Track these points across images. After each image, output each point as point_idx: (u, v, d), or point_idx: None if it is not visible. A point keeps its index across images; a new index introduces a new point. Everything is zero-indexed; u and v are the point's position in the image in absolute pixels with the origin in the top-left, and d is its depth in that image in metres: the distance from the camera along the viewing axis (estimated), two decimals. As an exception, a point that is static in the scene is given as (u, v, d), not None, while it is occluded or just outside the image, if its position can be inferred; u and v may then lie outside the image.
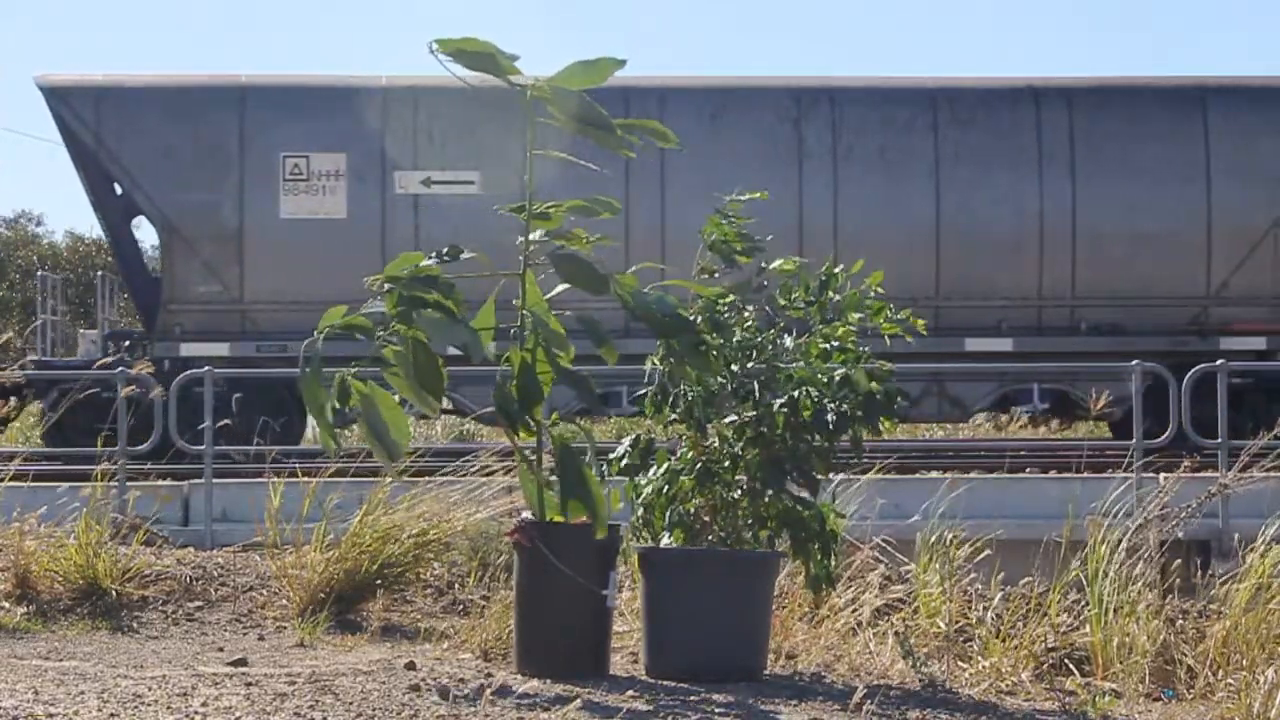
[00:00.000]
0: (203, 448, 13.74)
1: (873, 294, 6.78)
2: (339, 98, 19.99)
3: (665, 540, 6.70)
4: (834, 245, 19.33)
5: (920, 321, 6.80)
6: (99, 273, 24.12)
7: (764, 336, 6.71)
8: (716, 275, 6.88)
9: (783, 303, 6.76)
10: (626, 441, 6.83)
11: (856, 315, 6.71)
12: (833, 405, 6.54)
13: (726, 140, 20.06)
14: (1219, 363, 14.60)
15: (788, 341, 6.72)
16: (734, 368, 6.65)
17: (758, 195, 7.07)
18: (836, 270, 6.81)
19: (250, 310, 19.38)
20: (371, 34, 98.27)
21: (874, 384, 6.61)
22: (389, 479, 8.38)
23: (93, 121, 19.69)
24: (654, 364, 6.76)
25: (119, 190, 20.00)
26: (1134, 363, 14.63)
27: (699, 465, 6.66)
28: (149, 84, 20.21)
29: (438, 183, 19.57)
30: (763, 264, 6.88)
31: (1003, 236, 19.63)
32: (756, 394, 6.62)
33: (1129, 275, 19.70)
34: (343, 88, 20.17)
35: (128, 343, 20.35)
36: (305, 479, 8.86)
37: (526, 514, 6.90)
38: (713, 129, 20.15)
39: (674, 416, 6.74)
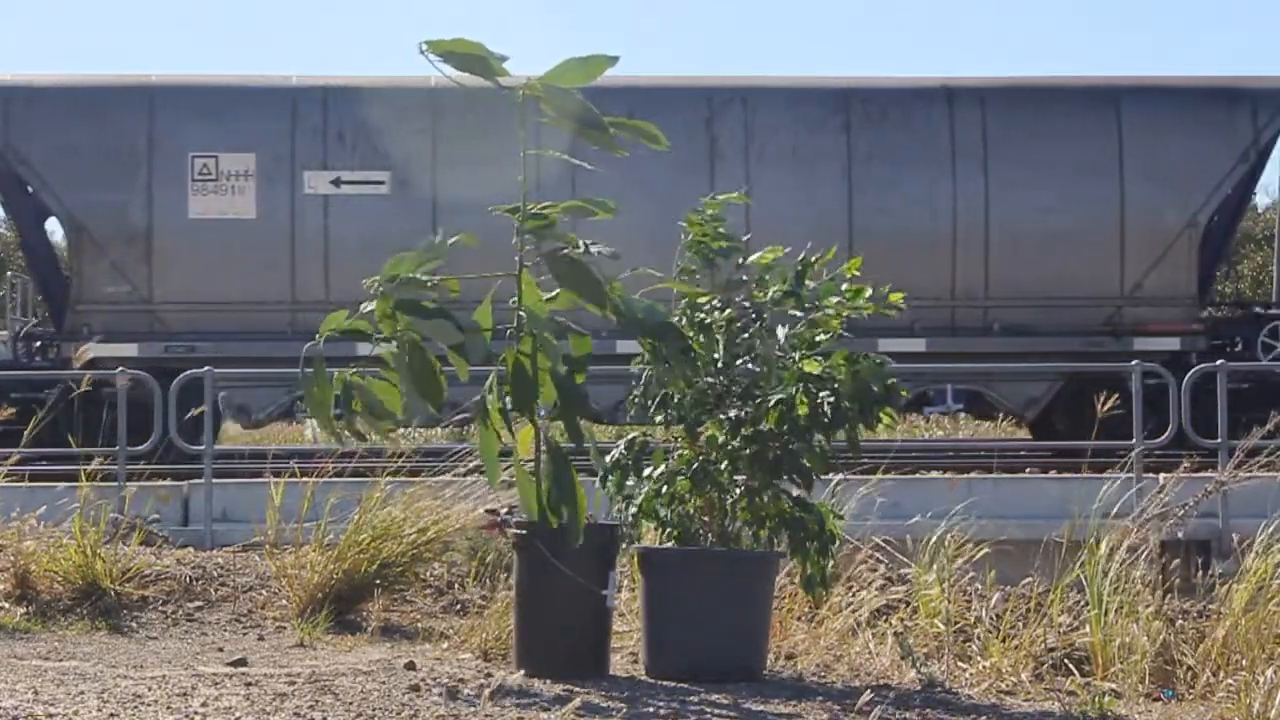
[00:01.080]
0: (202, 448, 13.75)
1: (848, 278, 6.77)
2: (248, 98, 19.95)
3: (663, 541, 6.70)
4: (746, 246, 19.31)
5: (899, 295, 6.77)
6: (8, 274, 24.13)
7: (753, 332, 6.69)
8: (697, 275, 6.88)
9: (759, 296, 6.74)
10: (622, 443, 6.83)
11: (834, 300, 6.69)
12: (829, 400, 6.52)
13: (636, 146, 19.98)
14: (1219, 363, 14.61)
15: (780, 334, 6.70)
16: (723, 366, 6.64)
17: (734, 196, 7.08)
18: (813, 259, 6.80)
19: (159, 310, 19.27)
20: (372, 34, 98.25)
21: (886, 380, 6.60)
22: (387, 478, 8.38)
23: (1, 122, 19.60)
24: (639, 367, 6.74)
25: (30, 190, 19.93)
26: (1134, 363, 14.62)
27: (695, 466, 6.66)
28: (58, 83, 20.14)
29: (347, 183, 19.61)
30: (740, 260, 6.88)
31: (916, 237, 19.53)
32: (745, 393, 6.61)
33: (1043, 275, 19.64)
34: (252, 88, 20.15)
35: (39, 344, 20.31)
36: (304, 479, 8.85)
37: (505, 509, 6.92)
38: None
39: (661, 419, 6.72)
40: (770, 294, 6.73)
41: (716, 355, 6.64)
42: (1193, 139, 20.53)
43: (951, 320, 19.44)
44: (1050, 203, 19.93)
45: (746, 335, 6.69)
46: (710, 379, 6.64)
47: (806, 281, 6.74)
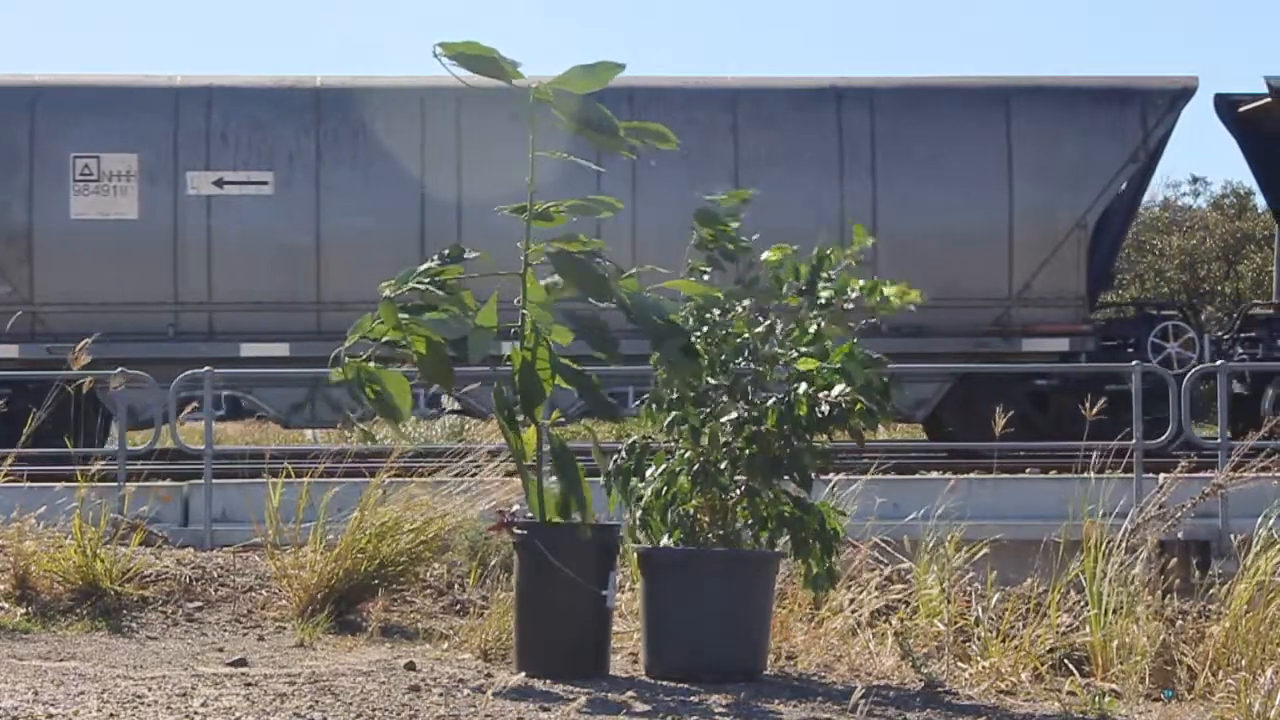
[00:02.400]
0: (202, 448, 13.75)
1: (854, 264, 6.77)
2: (131, 98, 19.89)
3: (664, 541, 6.70)
4: (632, 248, 19.45)
5: (916, 292, 6.76)
6: None
7: (753, 334, 6.69)
8: (706, 275, 6.88)
9: (777, 295, 6.74)
10: (624, 447, 6.83)
11: (858, 283, 6.67)
12: (829, 399, 6.52)
13: (525, 142, 20.01)
14: (1218, 363, 14.62)
15: (777, 329, 6.70)
16: (728, 366, 6.65)
17: (747, 195, 7.07)
18: (829, 252, 6.80)
19: (41, 311, 19.18)
20: (373, 34, 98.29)
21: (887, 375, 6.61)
22: (386, 477, 8.38)
23: None
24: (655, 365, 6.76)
25: None
26: (1134, 363, 14.63)
27: (696, 466, 6.66)
28: None
29: (230, 183, 19.62)
30: (750, 259, 6.88)
31: (804, 239, 19.54)
32: (749, 393, 6.62)
33: (931, 276, 19.60)
34: (135, 88, 20.08)
35: None
36: (303, 479, 8.85)
37: (515, 508, 6.93)
38: (514, 131, 20.11)
39: (669, 419, 6.73)
40: (785, 289, 6.73)
41: (723, 356, 6.64)
42: (1082, 139, 20.57)
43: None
44: (939, 203, 19.91)
45: (746, 335, 6.69)
46: (713, 380, 6.64)
47: (823, 275, 6.73)
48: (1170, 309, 23.01)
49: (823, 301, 6.68)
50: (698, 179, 20.03)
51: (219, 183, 19.53)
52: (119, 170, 19.62)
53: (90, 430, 16.36)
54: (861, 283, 6.74)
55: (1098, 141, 20.63)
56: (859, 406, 6.52)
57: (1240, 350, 21.44)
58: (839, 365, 6.55)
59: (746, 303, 6.80)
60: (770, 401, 6.56)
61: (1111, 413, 21.72)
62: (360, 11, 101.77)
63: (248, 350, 19.09)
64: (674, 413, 6.70)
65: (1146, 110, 20.90)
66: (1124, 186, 20.97)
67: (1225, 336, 22.18)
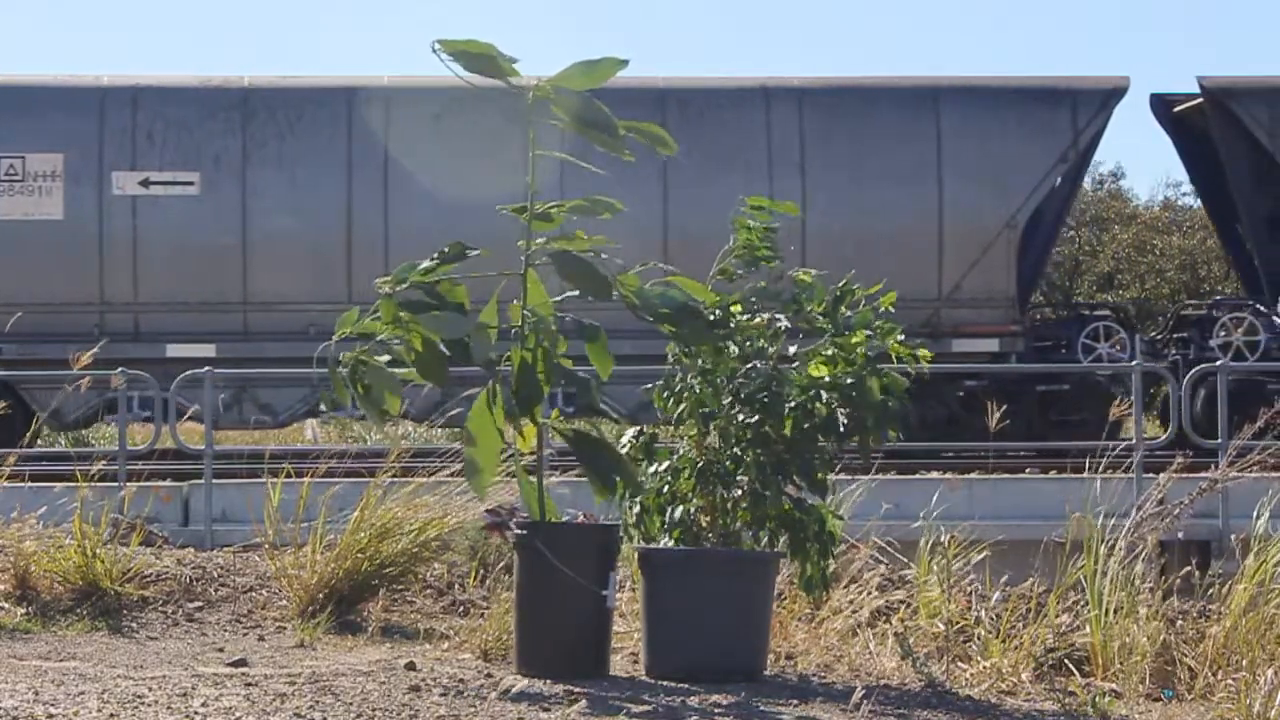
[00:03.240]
0: (202, 448, 13.76)
1: (883, 311, 6.80)
2: (57, 98, 19.91)
3: (664, 541, 6.70)
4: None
5: (925, 352, 6.81)
6: None
7: (767, 340, 6.71)
8: (736, 279, 6.90)
9: (805, 309, 6.76)
10: (630, 433, 6.84)
11: (865, 334, 6.72)
12: (844, 411, 6.55)
13: (451, 142, 20.13)
14: (1219, 363, 14.63)
15: (791, 349, 6.74)
16: (739, 367, 6.66)
17: (784, 205, 7.08)
18: (854, 288, 6.83)
19: None
20: (373, 34, 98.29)
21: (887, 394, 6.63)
22: (386, 477, 8.38)
23: None
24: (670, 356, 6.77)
25: None
26: (1134, 364, 14.64)
27: (699, 465, 6.66)
28: None
29: (156, 184, 19.62)
30: (783, 272, 6.91)
31: (730, 238, 19.45)
32: (759, 396, 6.62)
33: (860, 277, 19.61)
34: (60, 87, 20.10)
35: None
36: (303, 479, 8.85)
37: (510, 509, 6.93)
38: (436, 130, 20.20)
39: (679, 411, 6.73)
40: (809, 312, 6.75)
41: (734, 353, 6.66)
42: (1012, 139, 20.65)
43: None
44: (868, 204, 19.91)
45: (759, 342, 6.71)
46: (725, 378, 6.66)
47: (843, 309, 6.75)
48: (1103, 309, 23.15)
49: (843, 332, 6.70)
50: (625, 179, 20.05)
51: (145, 183, 19.58)
52: (44, 170, 19.64)
53: (11, 429, 16.47)
54: (879, 324, 6.76)
55: (1028, 142, 20.69)
56: (873, 424, 6.56)
57: (1173, 350, 21.59)
58: (851, 379, 6.59)
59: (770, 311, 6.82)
60: (791, 405, 6.56)
61: (1041, 413, 21.84)
62: (360, 11, 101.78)
63: (173, 351, 19.15)
64: (684, 405, 6.70)
65: (1077, 110, 20.97)
66: (1055, 186, 21.03)
67: (1158, 337, 22.33)
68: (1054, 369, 20.11)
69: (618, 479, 6.42)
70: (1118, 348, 20.66)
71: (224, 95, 19.99)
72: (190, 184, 19.76)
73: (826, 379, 6.64)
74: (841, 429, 6.55)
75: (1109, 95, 21.24)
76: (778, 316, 6.75)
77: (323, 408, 20.29)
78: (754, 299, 6.78)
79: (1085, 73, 26.68)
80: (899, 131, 20.38)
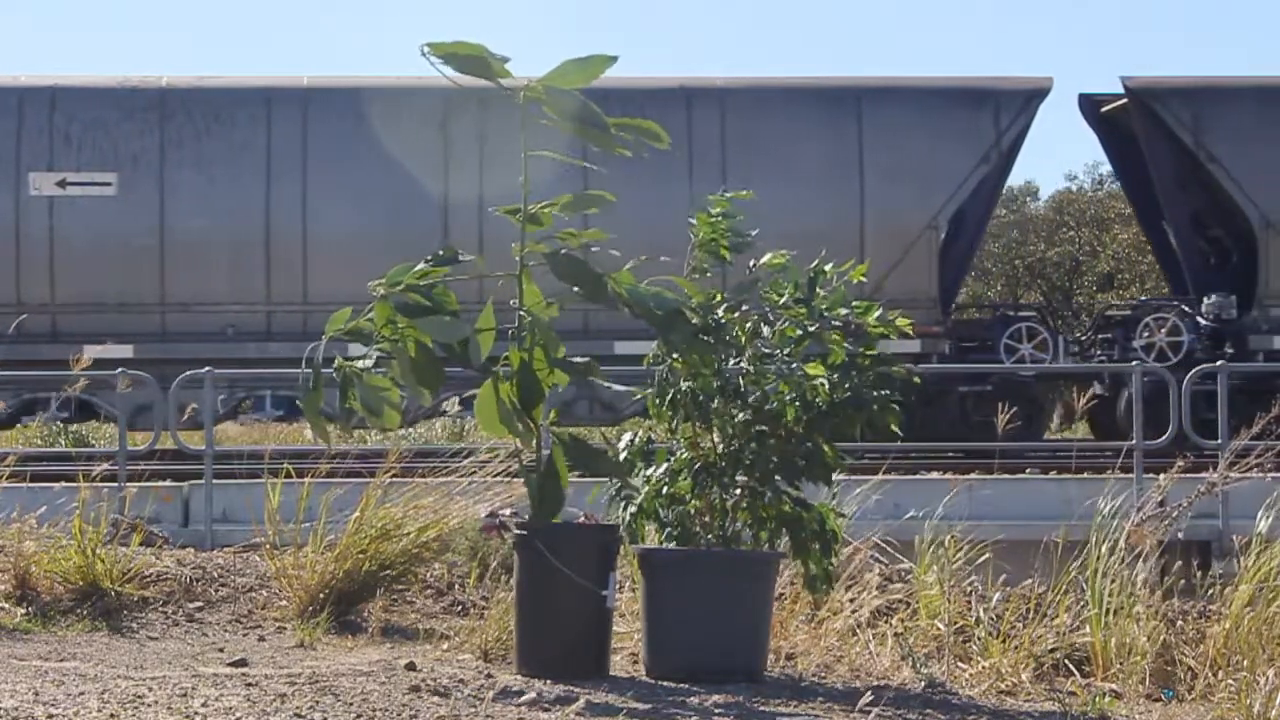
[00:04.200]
0: (202, 448, 13.75)
1: (853, 285, 6.80)
2: None
3: (657, 541, 6.70)
4: (479, 247, 19.49)
5: (906, 322, 6.80)
6: None
7: (752, 325, 6.69)
8: (709, 274, 6.88)
9: (777, 298, 6.74)
10: (626, 437, 6.83)
11: (842, 311, 6.70)
12: (845, 390, 6.53)
13: (371, 141, 20.17)
14: (1219, 364, 14.62)
15: (765, 331, 6.71)
16: (730, 364, 6.65)
17: (745, 194, 7.08)
18: (825, 268, 6.81)
19: None
20: (375, 35, 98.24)
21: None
22: (386, 478, 8.38)
23: None
24: (652, 361, 6.75)
25: None
26: (1134, 364, 14.64)
27: (697, 466, 6.66)
28: None
29: (74, 184, 19.65)
30: (752, 260, 6.89)
31: (652, 240, 19.15)
32: (748, 391, 6.61)
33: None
34: None
35: None
36: (303, 479, 8.85)
37: (507, 511, 6.93)
38: (356, 131, 20.25)
39: (673, 414, 6.72)
40: (783, 298, 6.73)
41: (724, 354, 6.65)
42: (934, 140, 20.71)
43: None
44: (789, 204, 19.89)
45: (745, 337, 6.69)
46: (716, 379, 6.65)
47: (818, 290, 6.74)
48: (1028, 310, 23.23)
49: (818, 316, 6.68)
50: (547, 182, 19.97)
51: (62, 183, 19.64)
52: None
53: None
54: (856, 302, 6.76)
55: (949, 142, 20.78)
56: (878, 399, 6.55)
57: (1098, 351, 21.70)
58: (842, 364, 6.58)
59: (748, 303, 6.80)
60: (789, 397, 6.55)
61: (961, 414, 21.93)
62: (359, 11, 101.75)
63: (91, 352, 19.17)
64: (679, 409, 6.68)
65: (1000, 111, 21.06)
66: (977, 187, 21.07)
67: (1083, 338, 22.42)
68: (991, 369, 20.22)
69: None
70: (1040, 349, 20.77)
71: (142, 96, 20.04)
72: (108, 185, 19.83)
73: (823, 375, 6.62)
74: (836, 406, 6.52)
75: (1031, 96, 21.33)
76: (761, 310, 6.74)
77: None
78: (738, 294, 6.77)
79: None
80: (821, 132, 20.41)
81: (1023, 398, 20.01)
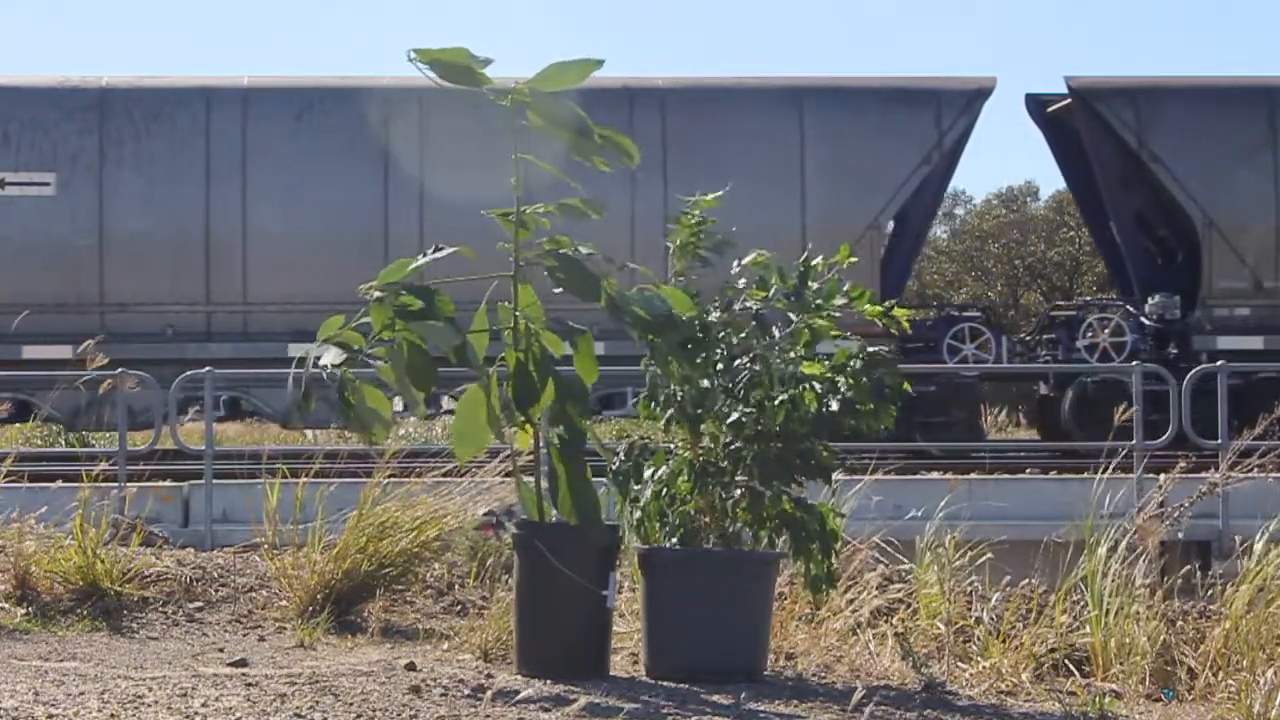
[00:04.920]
0: (202, 448, 13.75)
1: (840, 270, 6.81)
2: None
3: (664, 541, 6.70)
4: (419, 247, 19.52)
5: (904, 311, 6.81)
6: None
7: (748, 332, 6.69)
8: (693, 276, 6.89)
9: (762, 295, 6.74)
10: (622, 449, 6.82)
11: (839, 301, 6.71)
12: (837, 396, 6.53)
13: (309, 142, 20.19)
14: (1219, 363, 14.63)
15: (776, 333, 6.71)
16: (723, 368, 6.64)
17: (712, 199, 7.08)
18: (815, 261, 6.82)
19: None
20: (374, 35, 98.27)
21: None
22: (385, 477, 8.38)
23: None
24: (645, 366, 6.74)
25: None
26: (1134, 364, 14.64)
27: (695, 467, 6.65)
28: None
29: (11, 184, 19.67)
30: (737, 261, 6.90)
31: (595, 242, 19.05)
32: (744, 396, 6.61)
33: (722, 279, 19.60)
34: None
35: None
36: (301, 479, 8.85)
37: (508, 509, 6.92)
38: (295, 130, 20.25)
39: (667, 416, 6.71)
40: (772, 293, 6.73)
41: (717, 354, 6.64)
42: (875, 140, 20.76)
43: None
44: (731, 205, 19.83)
45: (743, 336, 6.69)
46: (709, 382, 6.64)
47: (810, 283, 6.74)
48: (972, 310, 23.31)
49: (811, 308, 6.69)
50: (490, 183, 20.03)
51: (0, 183, 19.57)
52: None
53: None
54: (847, 287, 6.76)
55: (891, 142, 20.81)
56: (866, 406, 6.54)
57: (1043, 351, 21.76)
58: (842, 364, 6.57)
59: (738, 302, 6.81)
60: (779, 400, 6.55)
61: (904, 414, 21.92)
62: (359, 11, 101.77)
63: (30, 352, 19.25)
64: (670, 411, 6.68)
65: (941, 111, 21.12)
66: (919, 187, 21.10)
67: (1028, 338, 22.48)
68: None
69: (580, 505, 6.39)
70: (983, 349, 20.82)
71: (81, 95, 20.07)
72: (46, 184, 19.86)
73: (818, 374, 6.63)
74: (828, 413, 6.51)
75: (974, 96, 21.38)
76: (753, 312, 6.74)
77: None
78: (729, 297, 6.77)
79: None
80: (762, 132, 20.42)
81: (966, 398, 20.10)
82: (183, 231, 19.99)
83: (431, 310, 6.35)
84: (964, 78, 21.71)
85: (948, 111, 21.04)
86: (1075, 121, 21.82)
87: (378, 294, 6.36)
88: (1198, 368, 14.79)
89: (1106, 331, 21.27)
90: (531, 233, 6.56)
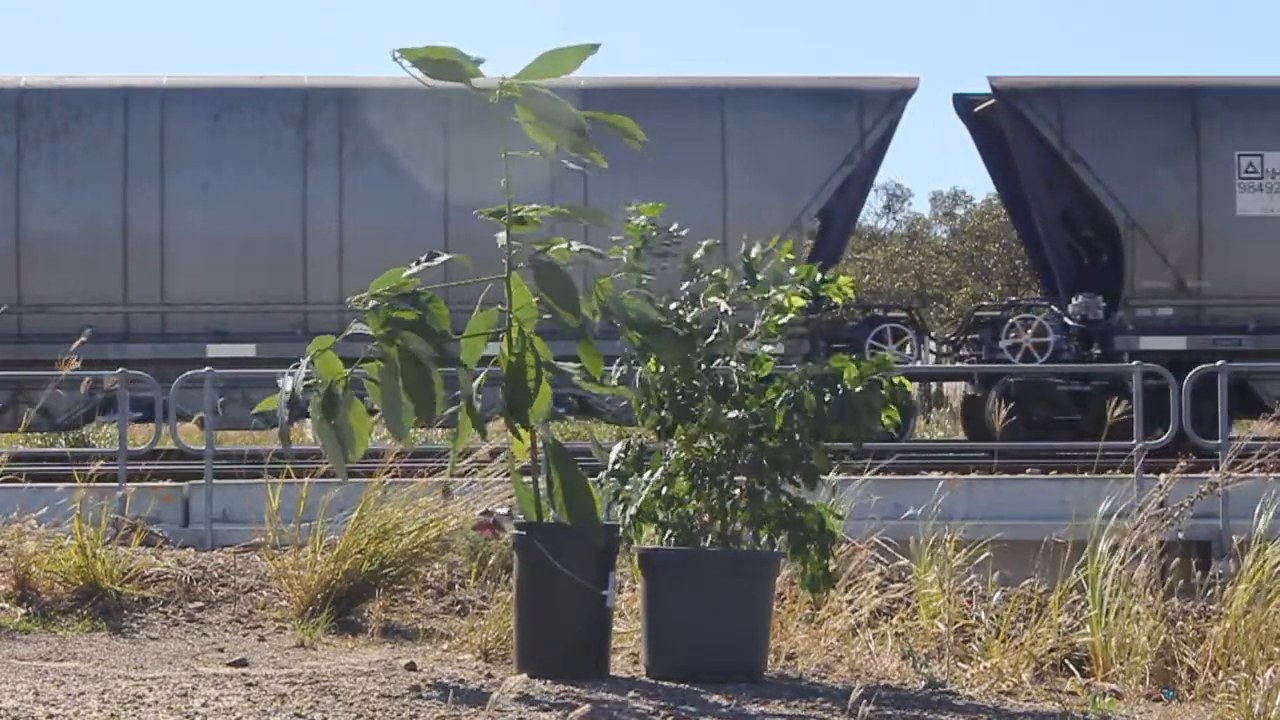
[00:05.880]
0: (202, 448, 13.75)
1: (784, 260, 6.82)
2: None
3: (655, 542, 6.69)
4: (339, 250, 19.66)
5: (848, 279, 6.84)
6: None
7: (727, 329, 6.69)
8: (650, 276, 6.87)
9: (720, 290, 6.73)
10: (618, 447, 6.80)
11: (795, 282, 6.72)
12: (836, 400, 6.52)
13: (228, 142, 20.20)
14: (1219, 363, 14.62)
15: (751, 329, 6.71)
16: (705, 368, 6.63)
17: (652, 206, 7.08)
18: (754, 252, 6.83)
19: None
20: (371, 35, 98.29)
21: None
22: (385, 478, 8.38)
23: None
24: (625, 369, 6.67)
25: None
26: (1134, 364, 14.64)
27: (692, 466, 6.65)
28: None
29: None
30: (696, 251, 6.90)
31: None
32: (739, 395, 6.61)
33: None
34: None
35: None
36: (301, 480, 8.84)
37: (504, 510, 6.91)
38: (215, 130, 20.26)
39: (654, 424, 6.69)
40: (731, 291, 6.73)
41: (698, 352, 6.63)
42: (797, 140, 20.78)
43: None
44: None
45: (718, 333, 6.68)
46: (696, 381, 6.63)
47: (757, 276, 6.77)
48: (897, 310, 23.37)
49: (770, 292, 6.69)
50: (405, 179, 20.15)
51: None
52: None
53: None
54: (793, 271, 6.77)
55: (813, 142, 20.84)
56: (865, 406, 6.53)
57: (966, 352, 21.79)
58: (846, 365, 6.58)
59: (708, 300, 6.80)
60: (779, 401, 6.54)
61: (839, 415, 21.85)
62: (357, 11, 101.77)
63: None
64: (661, 414, 6.66)
65: (864, 111, 21.14)
66: (842, 186, 21.11)
67: (952, 338, 22.50)
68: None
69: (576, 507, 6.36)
70: (906, 349, 20.87)
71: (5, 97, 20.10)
72: None
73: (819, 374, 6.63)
74: (828, 416, 6.51)
75: (896, 95, 21.41)
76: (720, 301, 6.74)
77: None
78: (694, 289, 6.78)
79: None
80: (683, 132, 20.41)
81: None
82: (100, 232, 20.03)
83: (426, 320, 6.25)
84: (887, 77, 21.81)
85: (870, 111, 21.10)
86: (1000, 121, 21.83)
87: (373, 303, 6.25)
88: (1198, 367, 14.76)
89: (1029, 332, 21.36)
90: (534, 226, 6.52)
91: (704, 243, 6.84)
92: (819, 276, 6.71)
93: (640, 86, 20.98)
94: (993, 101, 21.87)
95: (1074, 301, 21.39)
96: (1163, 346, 20.77)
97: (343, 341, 6.27)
